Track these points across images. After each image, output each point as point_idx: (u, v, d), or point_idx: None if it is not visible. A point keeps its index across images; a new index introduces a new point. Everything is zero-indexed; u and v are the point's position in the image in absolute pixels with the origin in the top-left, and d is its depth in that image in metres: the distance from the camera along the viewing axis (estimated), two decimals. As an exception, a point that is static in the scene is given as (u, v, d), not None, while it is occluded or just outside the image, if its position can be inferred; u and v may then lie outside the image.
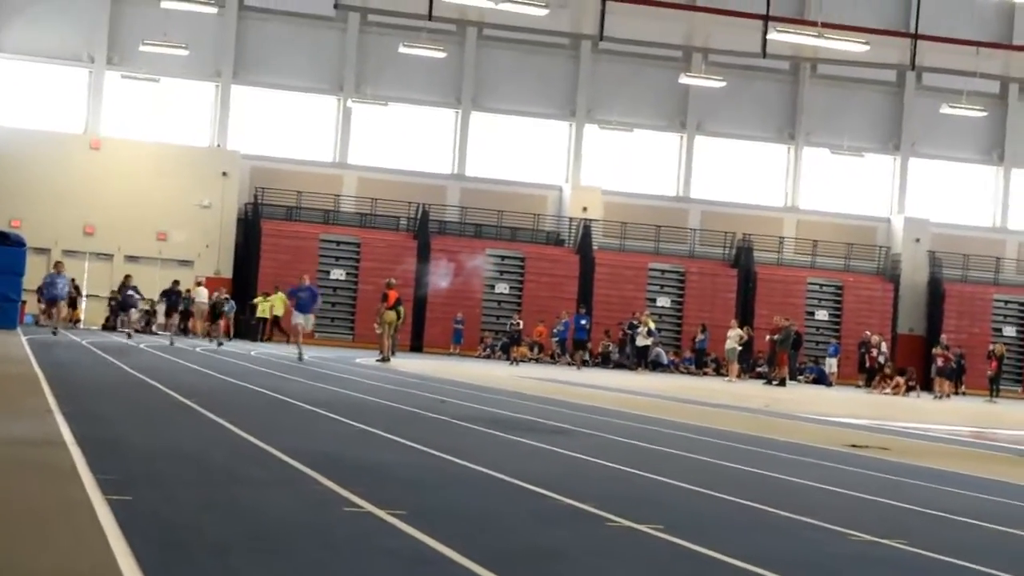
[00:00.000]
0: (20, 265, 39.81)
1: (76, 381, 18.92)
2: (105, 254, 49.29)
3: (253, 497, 8.78)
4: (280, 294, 44.39)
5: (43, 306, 41.42)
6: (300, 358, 31.90)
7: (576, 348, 47.06)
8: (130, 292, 37.44)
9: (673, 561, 7.38)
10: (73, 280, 44.16)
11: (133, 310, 37.61)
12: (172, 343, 36.12)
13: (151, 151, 50.16)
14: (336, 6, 47.25)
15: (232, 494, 8.82)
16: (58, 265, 35.55)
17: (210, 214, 49.78)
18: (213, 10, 49.68)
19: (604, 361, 50.16)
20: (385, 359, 35.21)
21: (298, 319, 33.68)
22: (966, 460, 16.83)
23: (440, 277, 50.24)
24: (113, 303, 47.35)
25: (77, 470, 8.98)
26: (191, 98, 51.92)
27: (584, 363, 46.35)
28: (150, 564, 5.95)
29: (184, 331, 44.20)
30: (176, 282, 44.18)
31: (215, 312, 40.40)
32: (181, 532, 7.11)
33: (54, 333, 34.44)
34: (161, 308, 45.09)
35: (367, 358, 36.13)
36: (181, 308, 43.67)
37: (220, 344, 37.76)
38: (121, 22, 50.48)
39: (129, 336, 36.55)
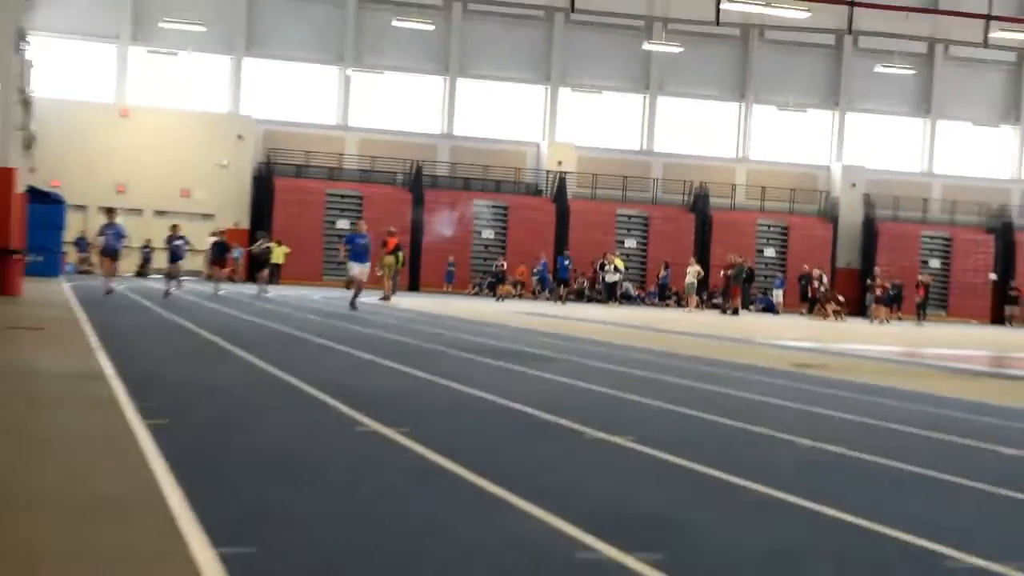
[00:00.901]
0: (60, 220, 39.92)
1: (115, 323, 18.92)
2: (136, 210, 49.15)
3: (275, 420, 8.84)
4: (284, 246, 44.13)
5: (95, 259, 36.74)
6: (353, 305, 28.34)
7: (558, 285, 47.32)
8: (178, 242, 32.15)
9: (644, 467, 7.45)
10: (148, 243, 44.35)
11: (180, 261, 32.39)
12: (216, 291, 33.69)
13: (174, 117, 50.11)
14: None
15: (256, 418, 8.88)
16: (111, 214, 29.42)
17: (228, 173, 49.77)
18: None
19: (579, 296, 50.27)
20: (386, 298, 35.27)
21: (354, 270, 29.88)
22: (897, 376, 16.91)
23: (443, 226, 50.41)
24: (147, 251, 47.43)
25: (117, 399, 9.04)
26: (208, 70, 51.75)
27: (567, 298, 46.67)
28: (185, 480, 6.02)
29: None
30: (222, 232, 39.49)
31: (260, 261, 38.88)
32: (212, 451, 7.18)
33: (108, 292, 27.70)
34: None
35: (370, 297, 36.12)
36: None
37: (265, 292, 35.43)
38: (143, 2, 50.19)
39: (176, 287, 32.01)
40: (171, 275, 31.98)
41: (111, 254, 28.72)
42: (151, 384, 10.36)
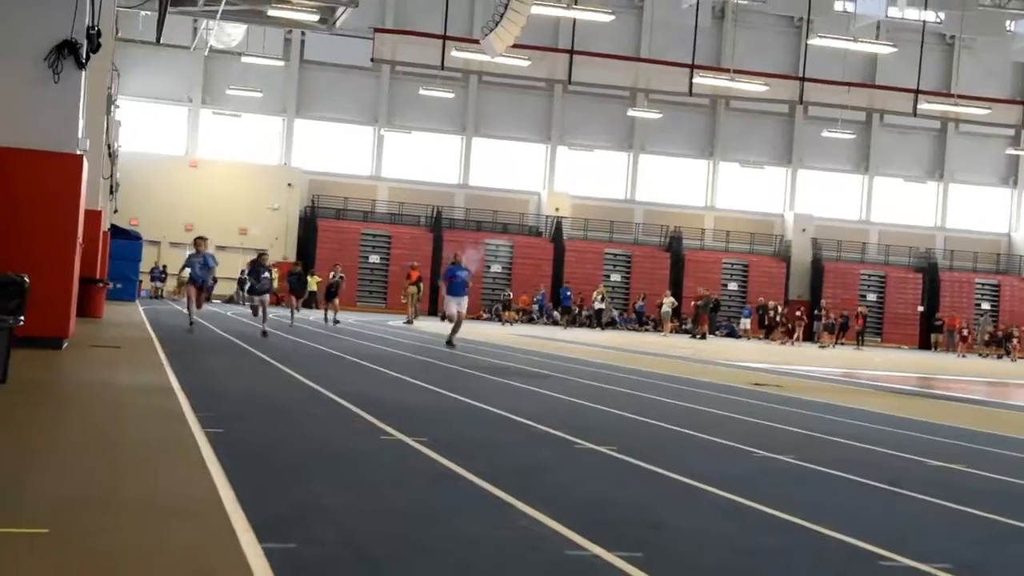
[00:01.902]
0: (138, 253, 40.02)
1: (182, 342, 18.91)
2: (201, 245, 49.36)
3: (315, 428, 8.85)
4: (317, 276, 43.96)
5: (179, 289, 28.51)
6: (450, 343, 21.90)
7: (563, 313, 47.80)
8: (267, 274, 23.21)
9: (625, 473, 7.45)
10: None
11: (267, 295, 23.40)
12: (292, 323, 27.95)
13: (235, 168, 50.24)
14: (372, 60, 47.18)
15: (300, 426, 8.89)
16: (200, 243, 22.23)
17: (279, 215, 49.85)
18: (280, 63, 49.87)
19: (571, 321, 50.28)
20: (409, 322, 35.22)
21: (451, 307, 22.45)
22: (838, 394, 16.88)
23: (471, 262, 50.55)
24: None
25: (183, 410, 9.04)
26: (264, 129, 51.86)
27: (570, 323, 46.92)
28: (239, 479, 6.01)
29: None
30: (298, 263, 33.68)
31: (332, 291, 32.32)
32: (262, 454, 7.18)
33: (190, 327, 21.53)
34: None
35: (396, 321, 36.15)
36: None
37: (336, 322, 30.49)
38: (212, 72, 50.42)
39: (264, 325, 22.44)
40: (257, 309, 23.93)
41: (198, 284, 21.81)
42: (212, 396, 10.35)
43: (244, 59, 46.75)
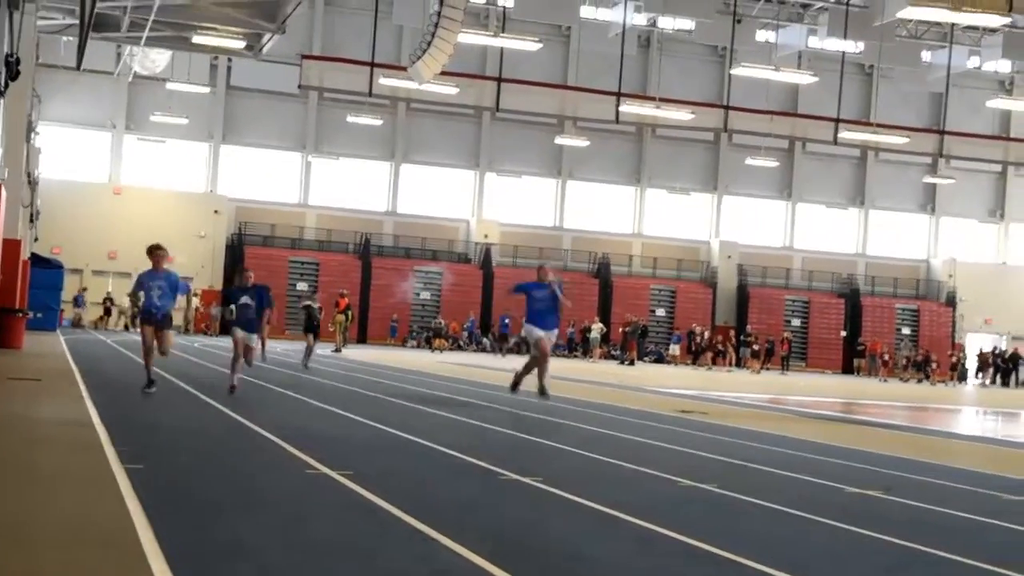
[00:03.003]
0: (59, 282, 39.42)
1: (103, 374, 18.62)
2: (124, 272, 48.70)
3: (237, 463, 8.74)
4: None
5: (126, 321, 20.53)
6: (542, 392, 16.04)
7: (501, 340, 47.95)
8: (245, 299, 15.67)
9: (548, 503, 7.45)
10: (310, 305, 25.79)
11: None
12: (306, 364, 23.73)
13: (160, 195, 49.78)
14: (300, 86, 47.01)
15: (223, 461, 8.78)
16: (157, 255, 14.17)
17: (205, 242, 49.42)
18: (206, 90, 49.49)
19: (510, 349, 50.30)
20: (338, 350, 35.01)
21: (537, 334, 16.09)
22: (763, 420, 17.03)
23: (446, 280, 50.69)
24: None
25: (102, 444, 8.90)
26: (190, 155, 51.48)
27: (509, 351, 46.97)
28: (156, 514, 5.93)
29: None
30: (313, 292, 29.77)
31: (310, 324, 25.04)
32: (182, 489, 7.08)
33: (148, 385, 14.04)
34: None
35: (324, 349, 35.87)
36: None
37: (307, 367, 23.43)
38: (136, 98, 50.03)
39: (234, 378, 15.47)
40: (311, 349, 23.37)
41: (156, 319, 13.86)
42: (131, 430, 10.18)
43: (169, 85, 46.42)
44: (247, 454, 9.30)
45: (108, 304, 47.83)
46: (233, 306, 15.31)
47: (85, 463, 8.00)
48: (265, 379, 19.38)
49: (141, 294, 13.98)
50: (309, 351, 24.32)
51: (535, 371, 16.30)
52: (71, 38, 40.41)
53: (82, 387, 14.64)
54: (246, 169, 52.04)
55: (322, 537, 5.89)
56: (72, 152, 49.60)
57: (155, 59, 46.35)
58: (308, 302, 25.78)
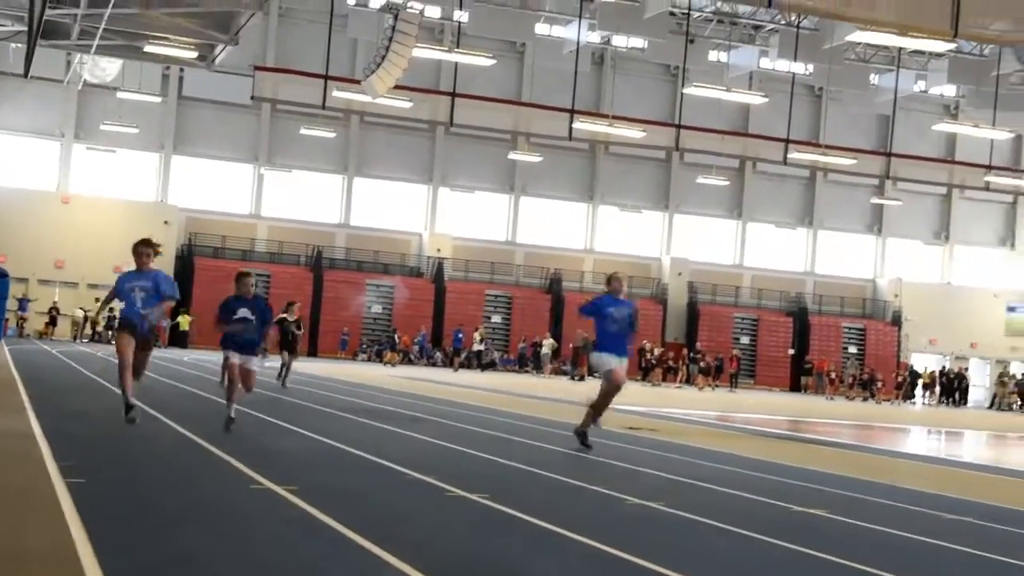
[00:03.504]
0: (4, 291, 38.78)
1: (47, 385, 18.39)
2: (71, 282, 48.39)
3: (183, 477, 8.65)
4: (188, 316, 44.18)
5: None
6: (595, 423, 13.60)
7: (454, 354, 47.98)
8: (244, 311, 12.05)
9: (494, 521, 7.43)
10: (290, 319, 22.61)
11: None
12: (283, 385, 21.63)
13: (109, 205, 49.30)
14: (252, 98, 46.75)
15: (167, 475, 8.69)
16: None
17: (155, 253, 48.95)
18: (157, 99, 49.05)
19: (462, 364, 50.27)
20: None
21: (611, 365, 13.14)
22: (712, 438, 17.12)
23: (400, 294, 50.49)
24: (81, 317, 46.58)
25: (43, 456, 8.78)
26: (140, 165, 51.06)
27: (462, 365, 46.98)
28: (98, 531, 5.86)
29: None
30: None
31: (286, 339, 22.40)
32: (125, 505, 7.00)
33: (129, 412, 11.48)
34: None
35: (272, 362, 35.54)
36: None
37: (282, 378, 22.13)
38: (86, 107, 49.57)
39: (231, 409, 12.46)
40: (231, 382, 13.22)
41: (139, 330, 11.41)
42: (74, 442, 10.05)
43: (120, 94, 46.09)
44: (192, 469, 9.20)
45: (54, 314, 47.32)
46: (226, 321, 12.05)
47: (24, 476, 7.88)
48: (207, 390, 19.20)
49: (116, 303, 11.61)
50: (285, 368, 22.20)
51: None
52: (19, 45, 40.00)
53: (24, 398, 14.42)
54: (197, 180, 51.65)
55: (266, 553, 5.84)
56: (20, 160, 49.10)
57: (106, 67, 45.96)
58: (284, 315, 22.53)
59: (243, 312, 12.01)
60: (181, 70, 49.11)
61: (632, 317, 13.23)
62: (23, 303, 45.78)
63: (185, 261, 49.61)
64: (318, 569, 5.52)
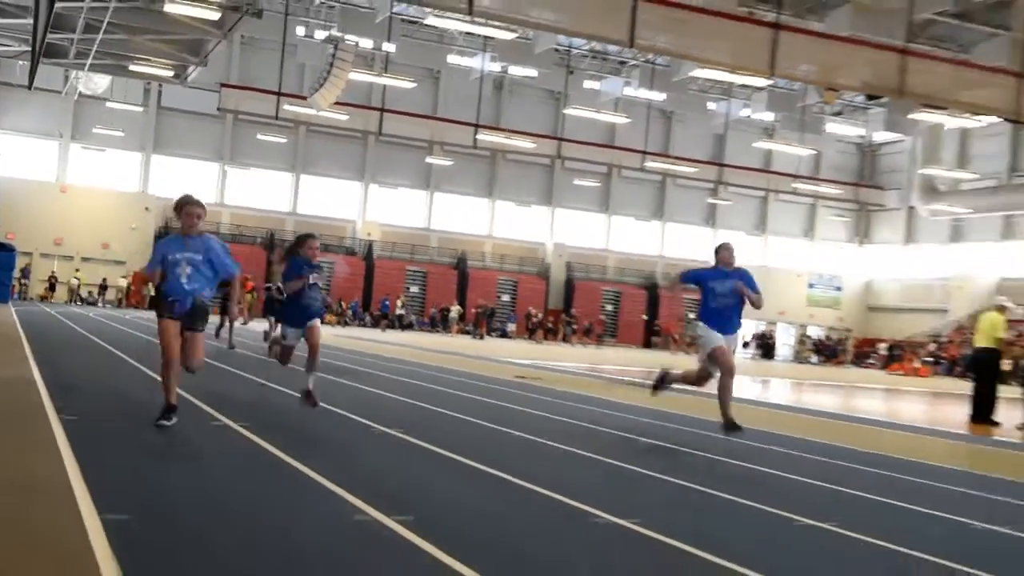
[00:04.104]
0: (12, 263, 37.72)
1: (47, 340, 17.95)
2: (68, 256, 47.10)
3: (156, 415, 8.54)
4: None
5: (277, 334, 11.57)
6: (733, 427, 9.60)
7: (380, 317, 47.79)
8: (315, 277, 9.25)
9: (409, 451, 7.48)
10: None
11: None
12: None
13: (99, 194, 47.94)
14: (219, 109, 45.96)
15: (145, 415, 8.57)
16: (309, 242, 9.17)
17: (137, 233, 47.71)
18: (140, 109, 47.89)
19: (388, 325, 50.06)
20: (245, 323, 34.23)
21: (717, 344, 9.38)
22: (582, 385, 17.33)
23: (340, 268, 49.86)
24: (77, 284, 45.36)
25: (42, 400, 8.61)
26: (125, 162, 49.67)
27: (388, 327, 46.77)
28: (87, 461, 5.79)
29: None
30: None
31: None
32: (109, 441, 6.91)
33: (167, 416, 7.43)
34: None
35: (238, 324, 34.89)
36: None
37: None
38: (81, 114, 48.02)
39: (310, 380, 9.52)
40: (287, 352, 9.95)
41: (181, 310, 7.32)
42: (71, 389, 9.86)
43: (109, 104, 44.94)
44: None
45: (53, 281, 46.26)
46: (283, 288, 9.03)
47: (25, 416, 7.73)
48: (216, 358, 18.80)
49: (158, 272, 7.39)
50: (268, 335, 17.85)
51: (693, 385, 10.15)
52: (25, 62, 38.68)
53: (28, 352, 14.06)
54: (172, 174, 50.39)
55: (225, 478, 5.84)
56: (25, 156, 47.47)
57: (97, 82, 44.77)
58: (269, 284, 19.89)
59: (313, 277, 9.06)
60: (160, 85, 47.87)
61: (745, 286, 9.51)
62: (25, 272, 44.64)
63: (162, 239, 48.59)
64: (257, 480, 5.55)
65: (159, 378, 7.73)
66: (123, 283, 46.73)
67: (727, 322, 9.51)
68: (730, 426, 9.38)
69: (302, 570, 3.99)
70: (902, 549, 5.30)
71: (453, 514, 5.34)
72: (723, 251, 9.73)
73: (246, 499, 5.24)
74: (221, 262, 7.46)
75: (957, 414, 17.09)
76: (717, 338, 9.44)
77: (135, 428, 7.52)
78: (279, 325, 12.39)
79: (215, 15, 26.66)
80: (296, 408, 9.48)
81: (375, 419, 9.05)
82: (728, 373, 9.40)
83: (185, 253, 7.37)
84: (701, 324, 9.63)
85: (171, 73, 36.71)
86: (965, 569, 4.94)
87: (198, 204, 7.51)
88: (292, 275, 9.20)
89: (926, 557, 5.16)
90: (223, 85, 45.99)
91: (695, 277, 9.84)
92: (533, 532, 5.06)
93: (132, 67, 35.40)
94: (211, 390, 10.43)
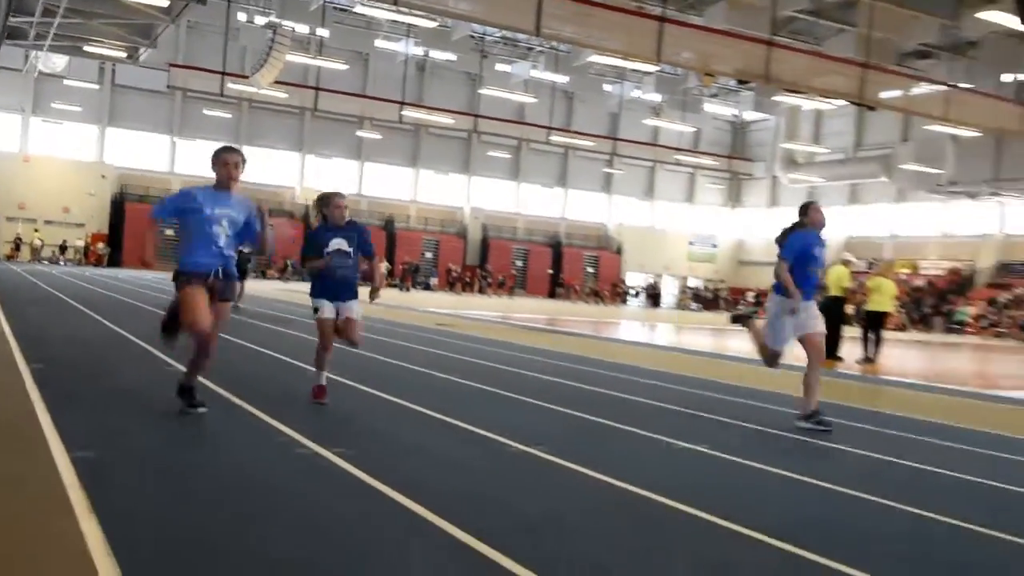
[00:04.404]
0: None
1: (13, 295, 17.29)
2: (31, 219, 45.28)
3: (116, 362, 8.38)
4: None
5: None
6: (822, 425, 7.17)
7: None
8: (341, 241, 6.65)
9: (344, 392, 7.47)
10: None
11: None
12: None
13: (59, 163, 46.03)
14: (168, 87, 44.43)
15: (106, 362, 8.40)
16: (334, 200, 6.60)
17: (95, 199, 46.10)
18: (96, 86, 46.05)
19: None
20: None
21: (810, 326, 7.10)
22: (496, 331, 17.42)
23: (283, 230, 48.74)
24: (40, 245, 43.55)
25: (12, 350, 8.36)
26: (83, 134, 47.72)
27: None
28: (54, 402, 5.68)
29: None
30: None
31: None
32: (73, 387, 6.78)
33: (192, 404, 5.81)
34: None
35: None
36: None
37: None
38: (41, 90, 45.86)
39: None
40: (327, 327, 6.87)
41: (213, 277, 5.55)
42: (38, 340, 9.58)
43: (66, 82, 43.11)
44: (124, 357, 8.91)
45: (18, 242, 44.48)
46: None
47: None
48: (137, 299, 18.43)
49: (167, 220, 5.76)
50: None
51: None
52: (-14, 42, 36.71)
53: (-3, 307, 13.58)
54: (127, 146, 48.65)
55: (182, 421, 5.79)
56: (-12, 129, 45.35)
57: (56, 62, 42.83)
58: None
59: (337, 243, 6.68)
60: (114, 65, 45.95)
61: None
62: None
63: (118, 205, 46.96)
64: (209, 418, 5.52)
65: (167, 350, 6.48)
66: (80, 244, 45.27)
67: (810, 292, 7.09)
68: (812, 415, 7.03)
69: (254, 495, 4.02)
70: (734, 459, 5.55)
71: (383, 447, 5.40)
72: (815, 211, 7.13)
73: (200, 436, 5.22)
74: (255, 225, 5.84)
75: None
76: (805, 318, 7.02)
77: (98, 374, 7.38)
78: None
79: (164, 2, 25.68)
80: (241, 355, 9.39)
81: (312, 363, 9.01)
82: (819, 358, 7.12)
83: (225, 209, 5.61)
84: (776, 297, 7.05)
85: (124, 54, 35.32)
86: (809, 480, 5.22)
87: (238, 151, 5.97)
88: (312, 249, 6.67)
89: (775, 471, 5.43)
90: (172, 65, 44.35)
91: (797, 245, 7.02)
92: (456, 462, 5.16)
93: (87, 48, 33.93)
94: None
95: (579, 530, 3.80)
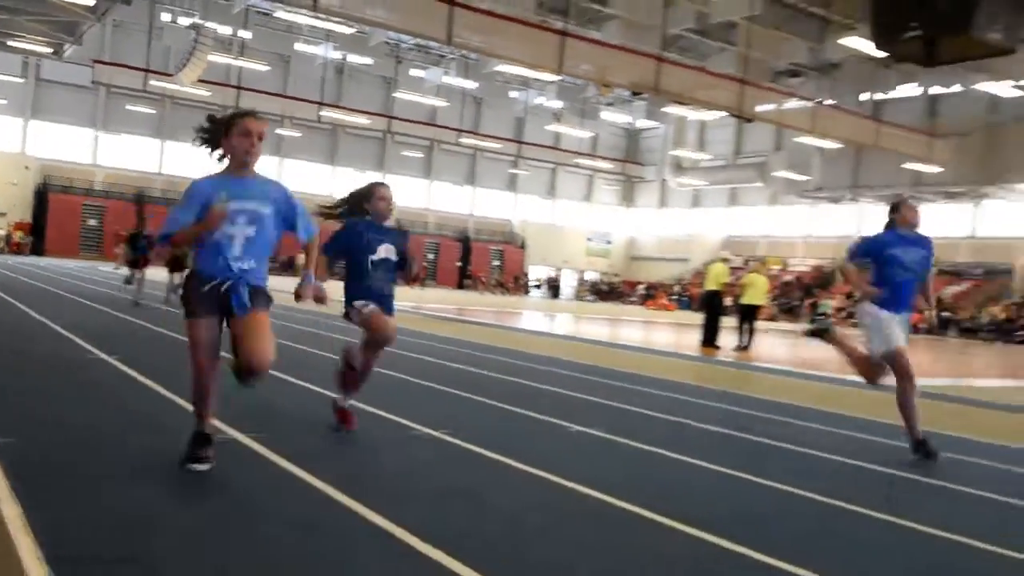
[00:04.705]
0: None
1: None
2: (-48, 208, 42.72)
3: (39, 348, 8.01)
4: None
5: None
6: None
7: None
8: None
9: (288, 390, 7.32)
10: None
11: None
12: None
13: (-20, 153, 43.50)
14: (92, 82, 42.48)
15: (29, 348, 8.02)
16: (381, 191, 5.03)
17: (19, 189, 43.82)
18: (21, 80, 43.69)
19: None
20: (118, 268, 32.15)
21: (894, 336, 5.69)
22: (410, 322, 17.31)
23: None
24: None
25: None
26: (7, 127, 45.17)
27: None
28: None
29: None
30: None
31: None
32: (10, 382, 6.46)
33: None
34: None
35: (106, 267, 32.82)
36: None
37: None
38: (-40, 81, 43.27)
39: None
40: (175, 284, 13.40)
41: (229, 291, 4.18)
42: (-44, 328, 9.05)
43: (-11, 75, 40.52)
44: (45, 341, 8.51)
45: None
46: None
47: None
48: (60, 287, 17.61)
49: (190, 226, 4.16)
50: (173, 286, 15.62)
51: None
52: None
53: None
54: (51, 138, 46.26)
55: (102, 402, 5.60)
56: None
57: (-24, 53, 40.32)
58: (148, 233, 16.92)
59: (385, 250, 5.11)
60: (39, 60, 43.67)
61: (928, 260, 5.88)
62: None
63: (42, 196, 44.71)
64: (127, 403, 5.36)
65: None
66: (1, 233, 42.93)
67: (904, 302, 5.80)
68: (920, 446, 5.68)
69: (174, 481, 3.93)
70: (633, 443, 5.72)
71: (296, 430, 5.35)
72: (906, 209, 5.91)
73: (117, 420, 5.06)
74: (295, 212, 4.48)
75: (692, 340, 18.27)
76: (895, 335, 5.71)
77: (19, 362, 7.04)
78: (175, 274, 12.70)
79: (91, 1, 24.51)
80: (163, 341, 9.10)
81: (226, 350, 8.78)
82: (908, 379, 5.66)
83: (245, 202, 4.23)
84: (870, 308, 5.84)
85: (49, 50, 33.64)
86: (678, 456, 5.40)
87: (261, 117, 4.33)
88: (337, 247, 5.10)
89: (652, 449, 5.60)
90: (96, 61, 42.39)
91: (870, 247, 5.90)
92: (367, 445, 5.14)
93: (11, 43, 32.14)
94: (89, 327, 9.84)
95: (472, 501, 3.84)
